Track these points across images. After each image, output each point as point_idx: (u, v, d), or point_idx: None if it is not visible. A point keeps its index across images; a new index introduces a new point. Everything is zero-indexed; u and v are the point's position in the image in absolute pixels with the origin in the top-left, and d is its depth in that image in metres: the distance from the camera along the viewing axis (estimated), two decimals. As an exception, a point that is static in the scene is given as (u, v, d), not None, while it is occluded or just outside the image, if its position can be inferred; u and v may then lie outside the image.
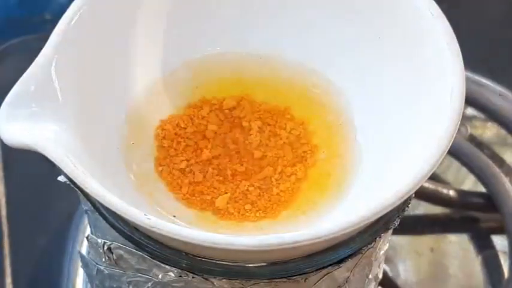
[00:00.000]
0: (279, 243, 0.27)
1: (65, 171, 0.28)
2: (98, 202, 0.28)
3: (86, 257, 0.35)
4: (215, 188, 0.33)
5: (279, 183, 0.33)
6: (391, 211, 0.28)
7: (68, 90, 0.30)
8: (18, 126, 0.29)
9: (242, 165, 0.33)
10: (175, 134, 0.34)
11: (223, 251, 0.27)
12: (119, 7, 0.34)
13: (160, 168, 0.33)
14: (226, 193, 0.32)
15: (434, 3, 0.32)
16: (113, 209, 0.27)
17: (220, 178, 0.33)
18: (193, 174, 0.33)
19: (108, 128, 0.33)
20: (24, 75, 0.30)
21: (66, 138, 0.29)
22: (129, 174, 0.32)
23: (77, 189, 0.29)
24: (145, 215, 0.27)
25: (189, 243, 0.27)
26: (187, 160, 0.33)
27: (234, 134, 0.34)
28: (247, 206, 0.32)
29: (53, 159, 0.28)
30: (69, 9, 0.32)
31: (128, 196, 0.30)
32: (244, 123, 0.35)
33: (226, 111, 0.35)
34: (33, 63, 0.30)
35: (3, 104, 0.29)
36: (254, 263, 0.29)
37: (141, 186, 0.32)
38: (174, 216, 0.32)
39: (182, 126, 0.34)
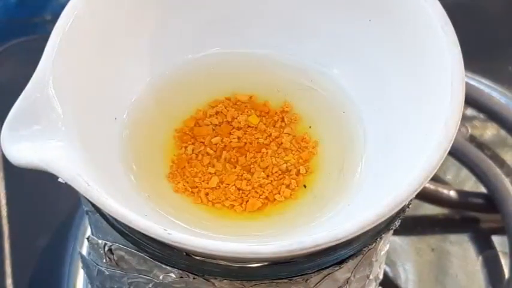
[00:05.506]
0: (300, 248, 0.27)
1: (78, 190, 0.28)
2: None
3: (87, 257, 0.35)
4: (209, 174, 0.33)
5: (280, 183, 0.33)
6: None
7: (67, 102, 0.30)
8: (24, 147, 0.29)
9: (245, 163, 0.34)
10: (181, 137, 0.34)
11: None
12: (113, 10, 0.34)
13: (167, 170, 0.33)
14: (221, 182, 0.33)
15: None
16: (132, 226, 0.27)
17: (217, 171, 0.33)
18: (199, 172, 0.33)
19: (107, 131, 0.33)
20: (23, 93, 0.30)
21: (71, 151, 0.29)
22: (129, 176, 0.32)
23: (86, 199, 0.29)
24: (165, 229, 0.27)
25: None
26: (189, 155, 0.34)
27: (235, 135, 0.34)
28: (251, 196, 0.32)
29: (65, 180, 0.28)
30: (60, 19, 0.32)
31: (129, 199, 0.30)
32: (246, 123, 0.35)
33: (230, 111, 0.35)
34: (31, 81, 0.30)
35: (5, 125, 0.29)
36: (255, 264, 0.29)
37: (140, 187, 0.32)
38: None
39: (186, 129, 0.34)
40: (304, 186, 0.33)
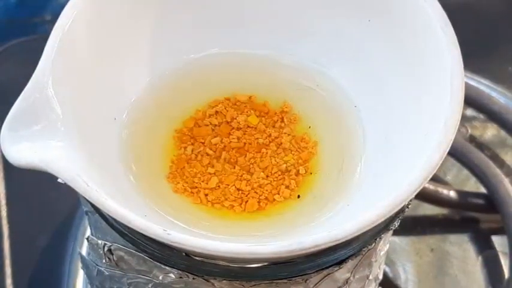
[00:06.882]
0: (300, 248, 0.27)
1: (78, 191, 0.28)
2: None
3: (86, 258, 0.35)
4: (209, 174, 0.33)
5: (279, 183, 0.33)
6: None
7: (67, 103, 0.30)
8: (24, 147, 0.29)
9: (244, 164, 0.34)
10: (181, 137, 0.34)
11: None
12: (113, 10, 0.34)
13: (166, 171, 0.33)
14: (221, 182, 0.33)
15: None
16: (132, 226, 0.27)
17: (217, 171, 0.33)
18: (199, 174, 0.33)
19: (107, 131, 0.33)
20: (22, 93, 0.30)
21: (70, 151, 0.29)
22: (128, 176, 0.33)
23: (86, 200, 0.29)
24: (164, 230, 0.27)
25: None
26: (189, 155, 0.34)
27: (235, 135, 0.34)
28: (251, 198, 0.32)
29: (65, 180, 0.28)
30: (60, 19, 0.32)
31: (129, 200, 0.30)
32: (246, 123, 0.35)
33: (229, 111, 0.35)
34: (30, 81, 0.30)
35: (4, 125, 0.29)
36: (255, 264, 0.29)
37: (140, 187, 0.32)
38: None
39: (186, 129, 0.34)
40: (298, 196, 0.33)
